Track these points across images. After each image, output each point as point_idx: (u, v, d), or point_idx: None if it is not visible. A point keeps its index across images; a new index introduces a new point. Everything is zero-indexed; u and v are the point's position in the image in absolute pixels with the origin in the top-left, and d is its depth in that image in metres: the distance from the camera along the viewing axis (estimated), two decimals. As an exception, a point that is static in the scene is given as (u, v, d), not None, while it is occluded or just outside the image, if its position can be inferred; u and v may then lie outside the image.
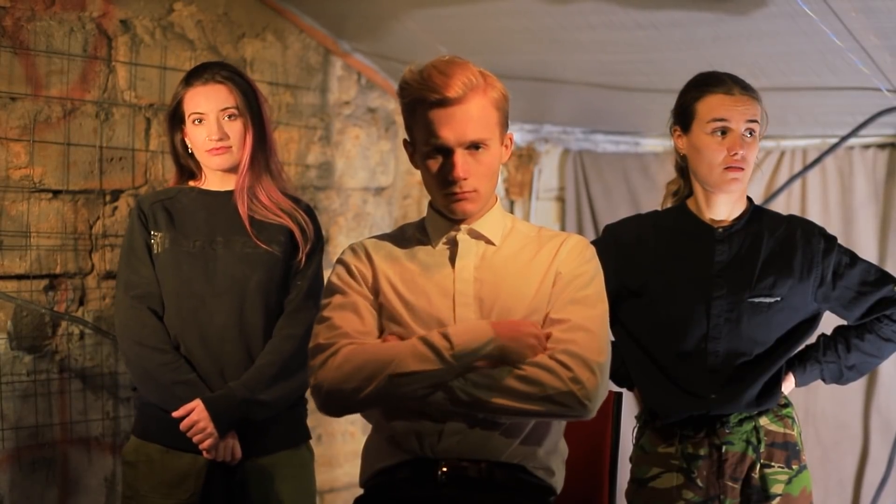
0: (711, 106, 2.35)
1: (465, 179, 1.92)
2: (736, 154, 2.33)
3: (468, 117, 1.90)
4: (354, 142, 3.89)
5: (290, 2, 3.55)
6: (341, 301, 1.99)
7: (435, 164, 1.94)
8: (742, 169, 2.35)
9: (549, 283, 1.98)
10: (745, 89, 2.36)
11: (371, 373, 1.87)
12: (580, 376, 1.86)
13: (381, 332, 2.00)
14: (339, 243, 3.76)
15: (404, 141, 2.03)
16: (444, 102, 1.89)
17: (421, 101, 1.91)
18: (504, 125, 1.99)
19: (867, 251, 3.47)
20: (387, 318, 1.98)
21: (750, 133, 2.36)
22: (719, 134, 2.35)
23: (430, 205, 2.05)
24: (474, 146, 1.92)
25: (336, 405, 1.93)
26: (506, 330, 1.88)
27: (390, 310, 1.98)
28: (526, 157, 4.35)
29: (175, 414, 2.41)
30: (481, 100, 1.92)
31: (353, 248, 2.06)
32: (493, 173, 1.98)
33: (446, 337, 1.86)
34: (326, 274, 2.20)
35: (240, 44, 3.45)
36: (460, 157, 1.91)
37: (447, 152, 1.92)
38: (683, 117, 2.42)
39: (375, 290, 2.00)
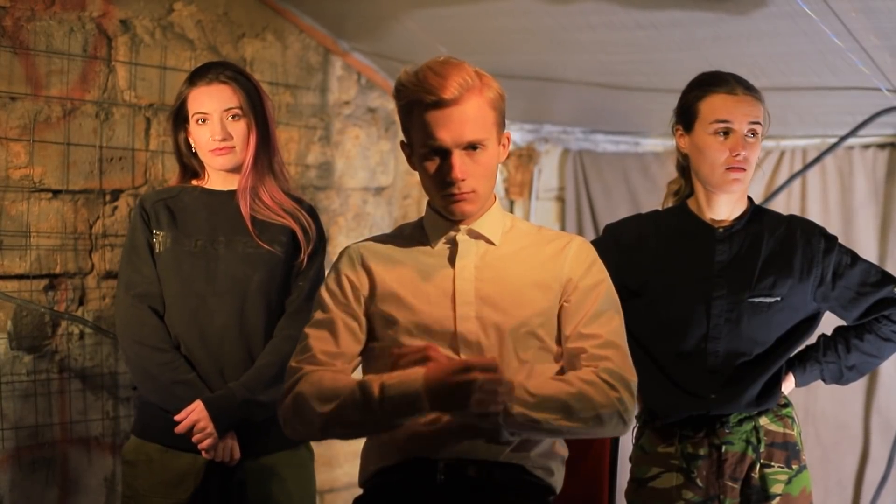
0: (714, 106, 2.35)
1: (463, 180, 1.92)
2: (738, 155, 2.33)
3: (464, 118, 1.90)
4: (354, 142, 3.89)
5: (290, 2, 3.55)
6: (321, 318, 2.01)
7: (432, 165, 1.94)
8: (744, 170, 2.35)
9: (556, 287, 1.98)
10: (748, 89, 2.36)
11: (318, 412, 1.89)
12: (623, 396, 1.90)
13: (376, 340, 2.01)
14: (338, 243, 3.76)
15: (401, 142, 2.03)
16: (440, 104, 1.89)
17: (417, 103, 1.91)
18: (501, 124, 1.98)
19: (867, 251, 3.47)
20: (385, 324, 1.99)
21: (752, 134, 2.36)
22: (721, 134, 2.35)
23: (429, 205, 2.05)
24: (471, 146, 1.92)
25: (293, 433, 1.98)
26: (436, 383, 1.79)
27: (389, 314, 1.98)
28: (526, 157, 4.35)
29: (177, 417, 2.41)
30: (477, 100, 1.92)
31: (349, 256, 2.06)
32: (491, 173, 1.98)
33: (382, 388, 1.83)
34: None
35: (240, 44, 3.45)
36: (458, 157, 1.91)
37: (444, 153, 1.92)
38: (686, 117, 2.42)
39: (371, 297, 2.01)
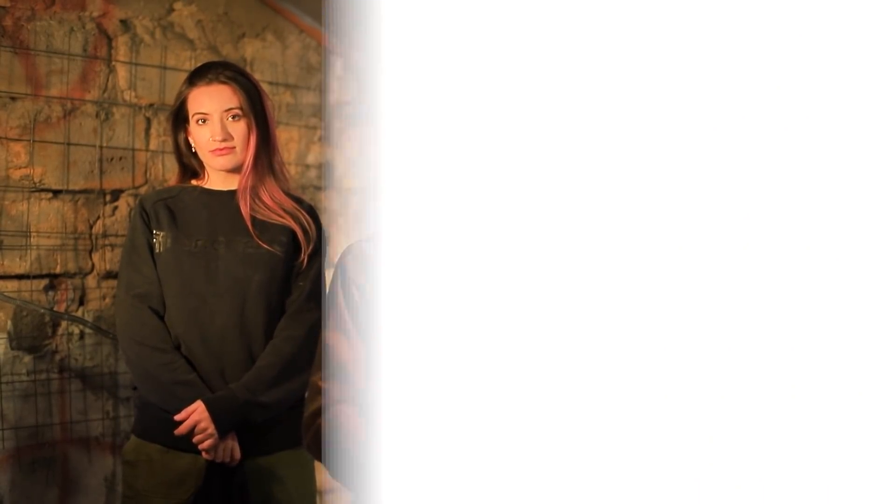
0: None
1: None
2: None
3: None
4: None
5: (290, 1, 3.55)
6: (336, 324, 2.02)
7: None
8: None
9: None
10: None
11: None
12: None
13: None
14: (339, 243, 3.76)
15: None
16: None
17: None
18: None
19: (867, 251, 3.47)
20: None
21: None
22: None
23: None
24: None
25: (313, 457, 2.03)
26: None
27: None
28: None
29: (178, 418, 2.41)
30: None
31: (353, 255, 2.06)
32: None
33: None
34: (328, 274, 2.20)
35: (240, 44, 3.45)
36: None
37: None
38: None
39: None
